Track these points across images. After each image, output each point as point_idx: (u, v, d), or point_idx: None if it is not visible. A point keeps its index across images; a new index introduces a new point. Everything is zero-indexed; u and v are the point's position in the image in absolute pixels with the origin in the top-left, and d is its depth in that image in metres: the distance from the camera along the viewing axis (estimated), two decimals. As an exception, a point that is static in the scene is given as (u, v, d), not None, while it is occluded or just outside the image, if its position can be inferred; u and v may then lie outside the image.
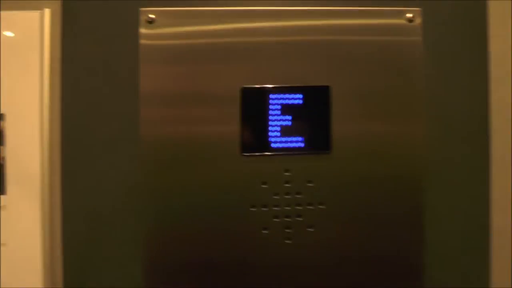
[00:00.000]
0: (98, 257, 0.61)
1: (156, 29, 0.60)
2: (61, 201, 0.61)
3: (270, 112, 0.60)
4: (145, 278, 0.60)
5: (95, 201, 0.61)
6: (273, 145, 0.61)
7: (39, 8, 0.61)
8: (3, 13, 0.60)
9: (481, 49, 0.65)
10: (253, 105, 0.60)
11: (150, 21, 0.60)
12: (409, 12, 0.63)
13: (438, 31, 0.65)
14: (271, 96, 0.60)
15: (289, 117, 0.61)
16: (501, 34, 0.66)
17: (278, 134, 0.61)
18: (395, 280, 0.62)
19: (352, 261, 0.62)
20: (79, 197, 0.61)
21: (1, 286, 0.59)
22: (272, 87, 0.61)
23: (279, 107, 0.61)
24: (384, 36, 0.62)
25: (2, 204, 0.60)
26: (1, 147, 0.60)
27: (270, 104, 0.60)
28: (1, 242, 0.59)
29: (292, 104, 0.61)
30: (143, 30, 0.60)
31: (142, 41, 0.60)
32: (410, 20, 0.62)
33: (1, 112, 0.60)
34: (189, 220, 0.60)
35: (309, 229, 0.61)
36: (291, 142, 0.61)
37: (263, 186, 0.61)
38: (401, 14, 0.63)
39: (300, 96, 0.61)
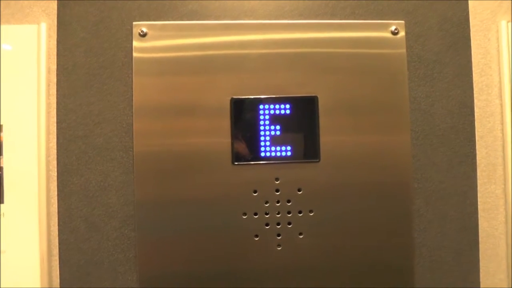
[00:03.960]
0: (94, 264, 0.63)
1: (149, 42, 0.62)
2: (57, 209, 0.62)
3: (260, 122, 0.62)
4: (140, 281, 0.61)
5: (90, 209, 0.63)
6: (263, 154, 0.62)
7: (36, 22, 0.63)
8: (2, 26, 0.62)
9: (463, 58, 0.67)
10: (243, 115, 0.62)
11: (143, 34, 0.62)
12: (393, 25, 0.65)
13: (421, 42, 0.67)
14: (260, 106, 0.62)
15: (279, 127, 0.62)
16: (483, 43, 0.68)
17: (268, 143, 0.62)
18: (385, 285, 0.64)
19: (342, 267, 0.63)
20: (74, 206, 0.63)
21: (-1, 293, 0.61)
22: (262, 98, 0.62)
23: (268, 117, 0.62)
24: (369, 48, 0.64)
25: (1, 212, 0.61)
26: (0, 157, 0.62)
27: (260, 114, 0.62)
28: (1, 249, 0.61)
29: (281, 114, 0.62)
30: (136, 43, 0.62)
31: (135, 54, 0.62)
32: (394, 33, 0.64)
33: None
34: (182, 228, 0.61)
35: (300, 236, 0.63)
36: (280, 151, 0.62)
37: (254, 194, 0.62)
38: (385, 26, 0.65)
39: (289, 106, 0.63)
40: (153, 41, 0.62)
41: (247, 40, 0.63)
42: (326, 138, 0.63)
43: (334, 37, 0.64)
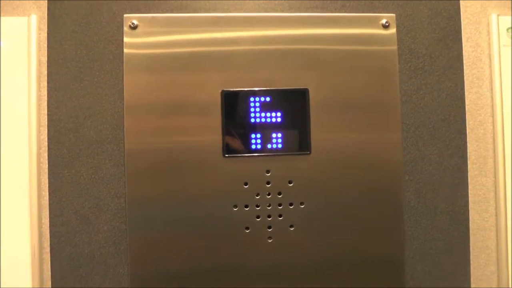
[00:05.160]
0: (85, 256, 0.63)
1: (139, 35, 0.62)
2: (48, 202, 0.62)
3: (251, 114, 0.62)
4: (131, 276, 0.61)
5: (81, 202, 0.63)
6: (254, 146, 0.62)
7: (26, 14, 0.63)
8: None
9: (454, 51, 0.67)
10: (234, 108, 0.62)
11: (134, 27, 0.62)
12: (384, 18, 0.65)
13: (412, 35, 0.67)
14: (251, 98, 0.62)
15: (269, 119, 0.63)
16: (473, 37, 0.68)
17: (259, 135, 0.62)
18: (377, 277, 0.64)
19: (333, 259, 0.63)
20: (66, 198, 0.63)
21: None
22: (252, 90, 0.62)
23: (259, 109, 0.62)
24: (360, 42, 0.64)
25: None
26: (-10, 150, 0.62)
27: (250, 106, 0.62)
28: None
29: (272, 107, 0.63)
30: (126, 36, 0.62)
31: (126, 48, 0.62)
32: (385, 26, 0.64)
33: (-10, 116, 0.62)
34: (173, 221, 0.61)
35: (291, 228, 0.63)
36: (271, 143, 0.63)
37: (245, 186, 0.62)
38: (376, 20, 0.65)
39: (280, 98, 0.63)
40: (144, 33, 0.62)
41: (237, 35, 0.63)
42: (317, 131, 0.63)
43: (325, 30, 0.64)
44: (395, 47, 0.65)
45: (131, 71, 0.62)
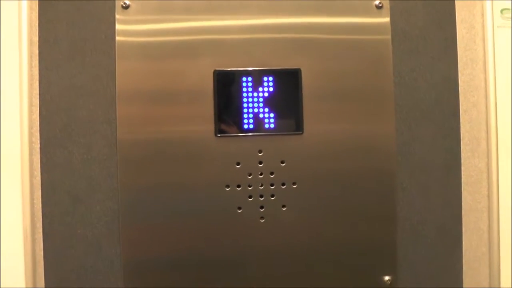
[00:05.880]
0: (77, 237, 0.63)
1: (131, 14, 0.62)
2: (40, 182, 0.62)
3: (243, 94, 0.62)
4: (124, 257, 0.62)
5: (73, 182, 0.63)
6: (246, 126, 0.62)
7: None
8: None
9: (448, 33, 0.67)
10: (226, 87, 0.62)
11: (126, 7, 0.61)
12: (378, -1, 0.65)
13: (406, 17, 0.66)
14: (243, 78, 0.62)
15: (262, 99, 0.62)
16: (467, 18, 0.68)
17: (251, 115, 0.62)
18: (369, 258, 0.64)
19: (325, 239, 0.64)
20: (58, 178, 0.62)
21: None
22: (244, 70, 0.62)
23: (251, 89, 0.62)
24: (353, 22, 0.64)
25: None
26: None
27: (242, 86, 0.62)
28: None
29: (265, 87, 0.62)
30: (118, 15, 0.62)
31: (118, 26, 0.61)
32: (379, 7, 0.64)
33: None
34: (166, 200, 0.61)
35: (283, 208, 0.63)
36: (263, 123, 0.62)
37: (237, 166, 0.62)
38: (369, 0, 0.64)
39: (272, 78, 0.62)
40: (136, 12, 0.62)
41: (228, 24, 0.63)
42: (310, 111, 0.63)
43: (318, 8, 0.63)
44: (388, 25, 0.65)
45: (122, 47, 0.62)
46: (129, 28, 0.62)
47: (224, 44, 0.63)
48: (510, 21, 0.67)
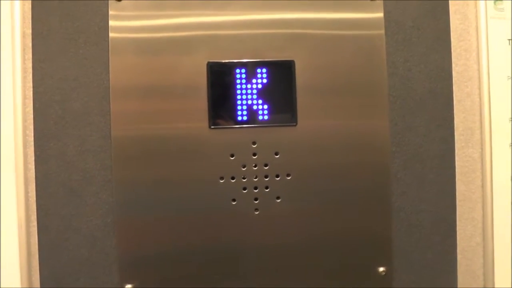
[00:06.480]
0: (72, 229, 0.62)
1: (125, 10, 0.61)
2: (35, 175, 0.62)
3: (237, 85, 0.62)
4: (119, 250, 0.62)
5: (68, 174, 0.63)
6: (240, 118, 0.62)
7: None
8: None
9: (442, 23, 0.67)
10: (220, 79, 0.62)
11: (119, -1, 0.61)
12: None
13: (400, 7, 0.66)
14: (237, 70, 0.62)
15: (255, 91, 0.62)
16: (461, 8, 0.68)
17: (245, 107, 0.62)
18: (364, 248, 0.64)
19: (319, 231, 0.64)
20: (52, 171, 0.62)
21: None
22: (238, 62, 0.62)
23: (245, 80, 0.62)
24: (347, 13, 0.64)
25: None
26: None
27: (236, 78, 0.62)
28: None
29: (258, 78, 0.62)
30: (111, 7, 0.61)
31: (111, 14, 0.61)
32: (372, -3, 0.64)
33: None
34: (160, 193, 0.61)
35: (277, 200, 0.63)
36: (257, 114, 0.62)
37: (231, 158, 0.62)
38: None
39: (266, 70, 0.62)
40: (128, 6, 0.61)
41: (222, 19, 0.63)
42: (304, 102, 0.63)
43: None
44: (381, 15, 0.65)
45: (115, 39, 0.61)
46: (122, 24, 0.61)
47: (218, 39, 0.62)
48: (503, 12, 0.68)
